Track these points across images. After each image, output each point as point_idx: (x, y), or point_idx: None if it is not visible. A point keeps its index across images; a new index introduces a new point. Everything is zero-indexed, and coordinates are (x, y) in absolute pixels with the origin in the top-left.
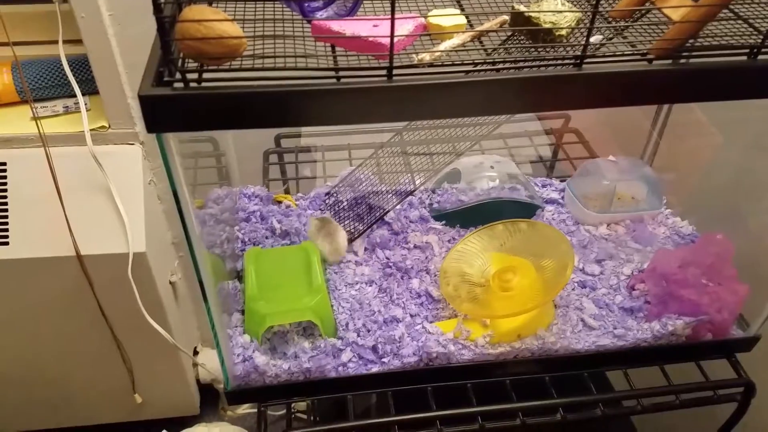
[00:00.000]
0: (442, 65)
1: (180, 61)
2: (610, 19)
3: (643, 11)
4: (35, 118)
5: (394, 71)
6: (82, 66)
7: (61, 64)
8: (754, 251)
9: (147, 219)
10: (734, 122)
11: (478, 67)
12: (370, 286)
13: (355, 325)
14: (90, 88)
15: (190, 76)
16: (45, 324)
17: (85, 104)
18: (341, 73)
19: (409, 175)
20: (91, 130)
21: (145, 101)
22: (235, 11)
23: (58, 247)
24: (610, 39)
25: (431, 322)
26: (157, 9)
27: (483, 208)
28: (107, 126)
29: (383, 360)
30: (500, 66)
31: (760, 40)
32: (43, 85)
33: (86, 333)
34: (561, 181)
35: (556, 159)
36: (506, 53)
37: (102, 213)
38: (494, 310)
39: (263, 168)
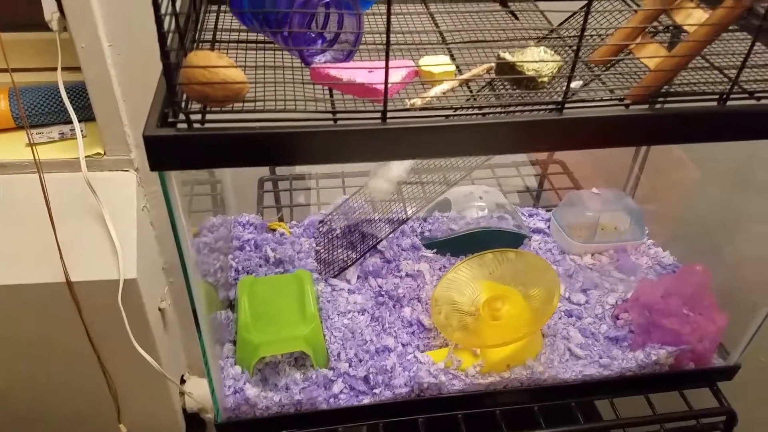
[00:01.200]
0: (433, 109)
1: (184, 103)
2: (591, 66)
3: (622, 58)
4: (31, 145)
5: (388, 114)
6: (79, 93)
7: (59, 91)
8: (732, 281)
9: (139, 245)
10: (711, 158)
11: (466, 112)
12: (363, 314)
13: (347, 354)
14: (86, 115)
15: (193, 116)
16: (29, 350)
17: (81, 131)
18: (338, 115)
19: (401, 203)
20: (86, 156)
21: (149, 141)
22: (236, 56)
23: (48, 273)
24: (588, 83)
25: (423, 352)
26: (165, 55)
27: (472, 237)
28: (103, 153)
29: (375, 391)
30: (486, 111)
31: (729, 87)
32: (39, 111)
33: (72, 360)
34: (547, 210)
35: (541, 189)
36: (493, 98)
37: (94, 239)
38: (484, 339)
39: (258, 195)
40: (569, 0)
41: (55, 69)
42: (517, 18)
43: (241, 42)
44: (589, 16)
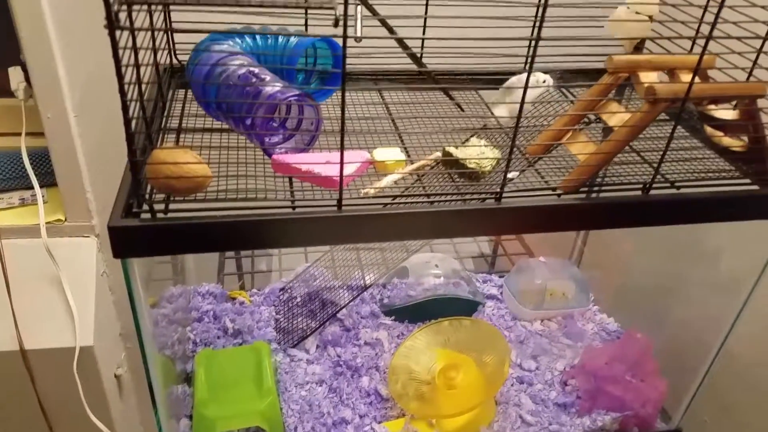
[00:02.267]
0: (385, 197)
1: (148, 193)
2: (528, 155)
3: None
4: None
5: (343, 202)
6: (41, 158)
7: (21, 157)
8: (673, 346)
9: (97, 311)
10: (645, 232)
11: (415, 200)
12: (321, 385)
13: (304, 428)
14: (48, 180)
15: (157, 206)
16: None
17: (43, 196)
18: (296, 203)
19: (360, 271)
20: (47, 223)
21: (114, 231)
22: (201, 141)
23: (1, 341)
24: (523, 171)
25: (380, 423)
26: (132, 153)
27: (430, 304)
28: (64, 219)
29: None
30: (434, 199)
31: (651, 177)
32: (0, 177)
33: (24, 431)
34: (500, 276)
35: (496, 255)
36: (439, 187)
37: (51, 306)
38: (440, 408)
39: (219, 262)
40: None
41: (18, 134)
42: (462, 109)
43: (206, 130)
44: (532, 105)
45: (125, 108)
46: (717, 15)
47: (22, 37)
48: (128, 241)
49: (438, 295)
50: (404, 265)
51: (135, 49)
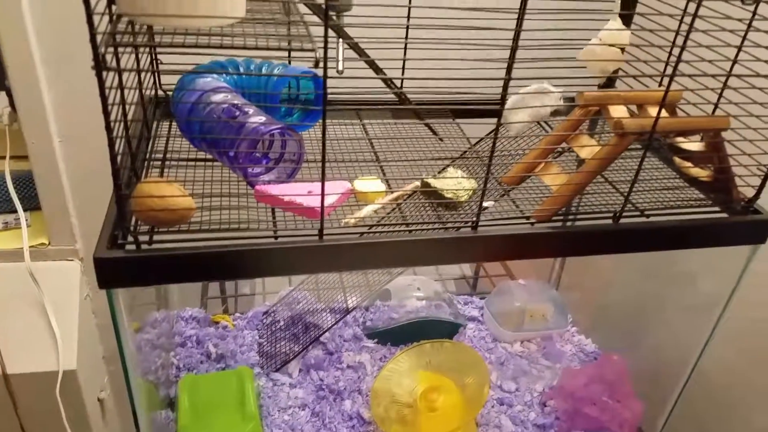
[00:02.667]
0: (365, 226)
1: (133, 225)
2: (503, 185)
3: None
4: None
5: (325, 232)
6: (25, 182)
7: (4, 182)
8: (648, 367)
9: (80, 335)
10: (621, 254)
11: (395, 229)
12: (303, 410)
13: None
14: (32, 204)
15: (141, 237)
16: None
17: (26, 220)
18: (279, 233)
19: (343, 293)
20: (30, 246)
21: (99, 263)
22: (185, 172)
23: None
24: (498, 200)
25: None
26: (118, 187)
27: (412, 326)
28: (47, 243)
29: None
30: (412, 228)
31: (621, 206)
32: None
33: None
34: (481, 298)
35: (477, 276)
36: (418, 216)
37: (35, 330)
38: (422, 431)
39: (202, 285)
40: (485, 118)
41: (2, 158)
42: (441, 140)
43: (191, 160)
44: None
45: (111, 143)
46: (679, 56)
47: (7, 64)
48: (113, 272)
49: (420, 317)
50: (387, 288)
51: (121, 89)
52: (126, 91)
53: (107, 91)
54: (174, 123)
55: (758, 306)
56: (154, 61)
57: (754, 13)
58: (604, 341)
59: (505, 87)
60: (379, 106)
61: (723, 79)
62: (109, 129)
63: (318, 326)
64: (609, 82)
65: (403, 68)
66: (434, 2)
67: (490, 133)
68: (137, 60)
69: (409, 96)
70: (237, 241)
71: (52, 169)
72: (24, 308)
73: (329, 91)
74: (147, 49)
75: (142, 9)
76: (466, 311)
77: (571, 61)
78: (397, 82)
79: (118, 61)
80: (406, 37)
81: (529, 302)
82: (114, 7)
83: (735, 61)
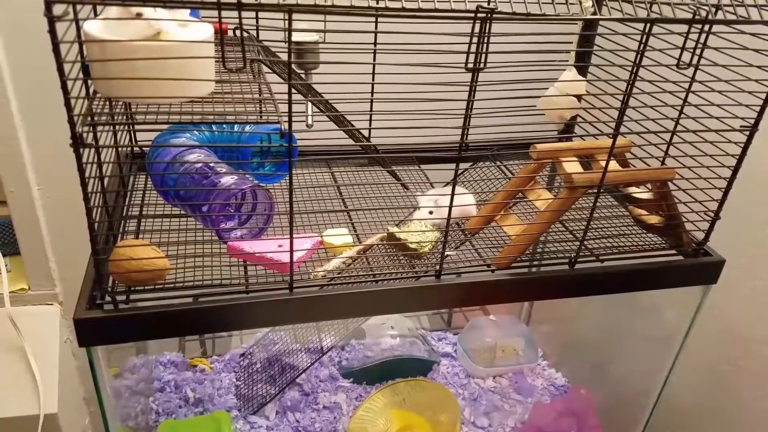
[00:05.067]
0: (333, 278)
1: (110, 284)
2: (466, 232)
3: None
4: None
5: (294, 285)
6: (4, 228)
7: None
8: (614, 398)
9: (61, 378)
10: None
11: (361, 280)
12: None
13: None
14: (11, 249)
15: (119, 295)
16: None
17: (6, 265)
18: (250, 287)
19: (318, 334)
20: (10, 292)
21: (79, 324)
22: (161, 225)
23: None
24: (459, 246)
25: None
26: (96, 252)
27: (387, 365)
28: (27, 288)
29: None
30: (378, 278)
31: (576, 251)
32: None
33: None
34: (454, 334)
35: (451, 311)
36: (384, 266)
37: (15, 375)
38: None
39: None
40: (448, 163)
41: None
42: (407, 188)
43: (165, 216)
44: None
45: (89, 212)
46: (623, 110)
47: None
48: (93, 331)
49: (395, 355)
50: (361, 327)
51: (99, 164)
52: (102, 151)
53: (84, 165)
54: (149, 178)
55: (717, 336)
56: (131, 119)
57: (693, 77)
58: (573, 374)
59: (462, 135)
60: (348, 156)
61: (671, 128)
62: (87, 200)
63: (294, 367)
64: (568, 128)
65: (370, 119)
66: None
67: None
68: (114, 135)
69: (376, 144)
70: (210, 297)
71: (31, 216)
72: (4, 353)
73: (300, 143)
74: (123, 109)
75: (119, 92)
76: (440, 347)
77: (531, 109)
78: (365, 131)
79: (96, 139)
80: (372, 93)
81: (500, 338)
82: (90, 83)
83: (679, 116)
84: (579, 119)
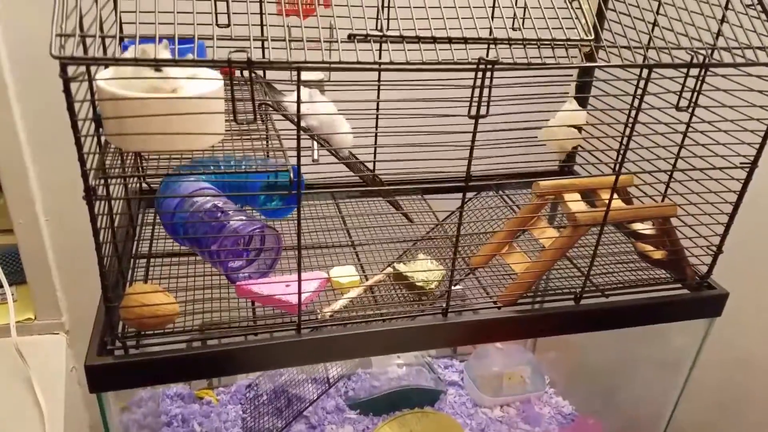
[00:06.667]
0: (341, 317)
1: (120, 329)
2: (471, 267)
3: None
4: None
5: (302, 325)
6: (11, 257)
7: None
8: (624, 426)
9: (66, 407)
10: None
11: (368, 319)
12: None
13: None
14: (18, 278)
15: (129, 340)
16: None
17: (12, 294)
18: (259, 325)
19: (325, 364)
20: (17, 322)
21: (90, 370)
22: (170, 264)
23: None
24: (464, 278)
25: None
26: (107, 299)
27: (394, 395)
28: (34, 317)
29: None
30: (385, 317)
31: (582, 286)
32: None
33: None
34: (461, 361)
35: None
36: (391, 304)
37: (21, 405)
38: None
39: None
40: (452, 193)
41: None
42: (411, 221)
43: (174, 255)
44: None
45: (101, 261)
46: (627, 145)
47: None
48: (104, 377)
49: (402, 386)
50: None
51: (111, 216)
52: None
53: (98, 218)
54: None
55: (725, 362)
56: (139, 159)
57: (691, 116)
58: (580, 402)
59: (471, 153)
60: (353, 188)
61: (672, 162)
62: (99, 249)
63: (301, 398)
64: (569, 158)
65: (375, 152)
66: (403, 95)
67: (458, 209)
68: (125, 187)
69: (380, 176)
70: (219, 340)
71: (38, 247)
72: (10, 383)
73: (306, 176)
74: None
75: (133, 145)
76: (446, 375)
77: (533, 140)
78: (369, 164)
79: (108, 192)
80: (377, 127)
81: (507, 366)
82: (101, 131)
83: (679, 153)
84: (580, 149)
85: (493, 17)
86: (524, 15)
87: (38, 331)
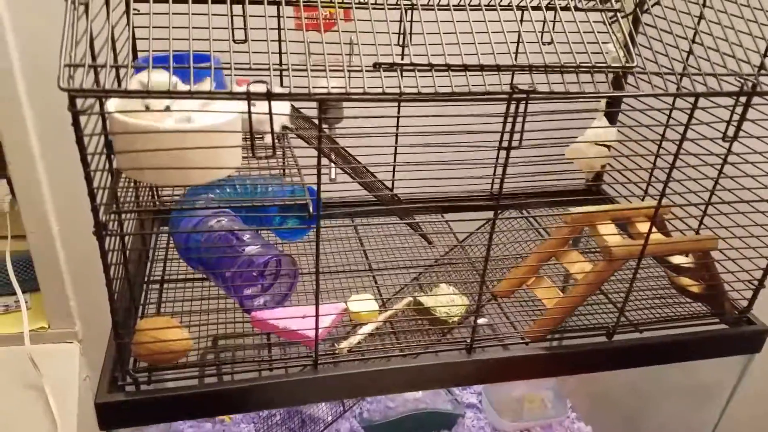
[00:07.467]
0: (359, 352)
1: (132, 363)
2: (496, 297)
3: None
4: None
5: (319, 360)
6: (25, 265)
7: (5, 265)
8: None
9: (79, 416)
10: None
11: (388, 354)
12: None
13: None
14: (31, 286)
15: (140, 374)
16: None
17: (26, 302)
18: (274, 364)
19: None
20: (30, 330)
21: (101, 408)
22: (184, 291)
23: None
24: (484, 306)
25: None
26: (118, 336)
27: (410, 419)
28: (47, 326)
29: None
30: (407, 353)
31: (615, 321)
32: None
33: None
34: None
35: None
36: (412, 338)
37: (34, 414)
38: None
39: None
40: (475, 211)
41: (3, 237)
42: (430, 242)
43: (188, 280)
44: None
45: (111, 297)
46: (668, 176)
47: (7, 156)
48: (115, 415)
49: (419, 409)
50: None
51: (124, 251)
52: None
53: (108, 254)
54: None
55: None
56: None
57: (730, 147)
58: (604, 429)
59: (501, 184)
60: (371, 207)
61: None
62: (109, 285)
63: (314, 419)
64: (597, 177)
65: (394, 170)
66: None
67: (479, 228)
68: (141, 222)
69: (399, 195)
70: (233, 378)
71: (51, 255)
72: (23, 392)
73: (323, 195)
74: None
75: (147, 179)
76: (464, 397)
77: (560, 158)
78: (388, 183)
79: (121, 227)
80: (396, 144)
81: (527, 389)
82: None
83: (716, 184)
84: (609, 167)
85: (519, 41)
86: (551, 40)
87: (51, 339)
